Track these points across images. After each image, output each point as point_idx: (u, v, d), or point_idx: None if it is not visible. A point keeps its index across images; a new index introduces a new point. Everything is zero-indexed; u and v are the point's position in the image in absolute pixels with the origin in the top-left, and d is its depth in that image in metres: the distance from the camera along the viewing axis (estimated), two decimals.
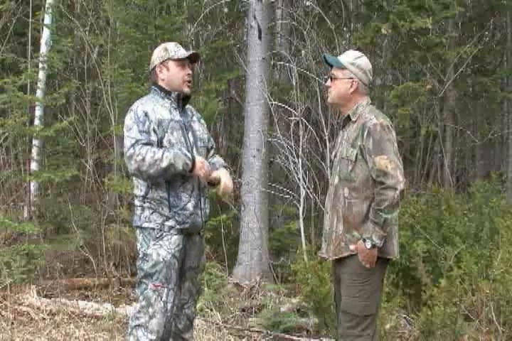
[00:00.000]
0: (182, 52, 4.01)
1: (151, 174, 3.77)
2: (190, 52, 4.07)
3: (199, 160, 3.84)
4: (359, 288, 3.76)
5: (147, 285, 3.88)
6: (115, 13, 8.25)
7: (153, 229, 3.88)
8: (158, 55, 4.01)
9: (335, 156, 3.95)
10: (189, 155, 3.81)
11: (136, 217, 3.97)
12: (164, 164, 3.73)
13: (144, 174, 3.78)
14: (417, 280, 5.88)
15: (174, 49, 4.00)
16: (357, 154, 3.75)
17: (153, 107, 3.91)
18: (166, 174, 3.78)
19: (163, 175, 3.80)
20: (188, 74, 4.02)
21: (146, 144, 3.79)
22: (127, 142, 3.83)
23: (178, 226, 3.88)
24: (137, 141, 3.79)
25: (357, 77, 3.85)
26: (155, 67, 4.00)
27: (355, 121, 3.84)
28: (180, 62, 3.99)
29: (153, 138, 3.84)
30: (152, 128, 3.84)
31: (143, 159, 3.74)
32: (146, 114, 3.86)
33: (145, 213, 3.91)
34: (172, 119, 3.93)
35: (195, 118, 4.11)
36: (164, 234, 3.88)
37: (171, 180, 3.86)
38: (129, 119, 3.89)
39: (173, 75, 3.98)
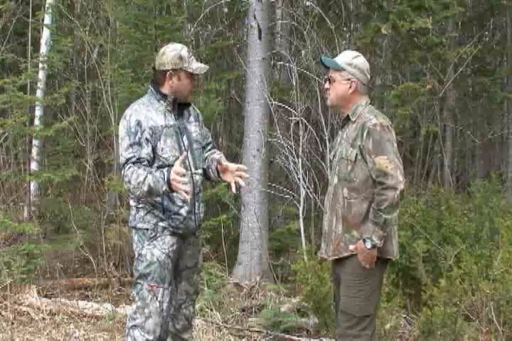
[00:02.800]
0: (196, 66, 3.95)
1: (139, 196, 3.80)
2: (204, 68, 4.00)
3: (173, 177, 3.65)
4: (358, 288, 3.75)
5: (142, 285, 3.89)
6: (115, 13, 8.25)
7: (148, 229, 3.90)
8: (172, 60, 3.91)
9: (334, 156, 3.93)
10: (165, 176, 3.67)
11: (131, 218, 3.99)
12: (145, 188, 3.72)
13: (134, 195, 3.84)
14: (417, 280, 5.88)
15: (188, 59, 3.94)
16: (356, 154, 3.73)
17: (147, 113, 3.87)
18: (151, 196, 3.78)
19: (149, 196, 3.80)
20: (193, 84, 4.03)
21: (135, 162, 3.77)
22: (120, 160, 3.86)
23: (171, 229, 3.89)
24: (127, 161, 3.79)
25: (355, 77, 3.83)
26: (165, 70, 3.93)
27: (355, 121, 3.82)
28: (192, 74, 3.98)
29: (146, 149, 3.81)
30: (145, 138, 3.82)
31: (129, 181, 3.76)
32: (138, 123, 3.83)
33: (140, 213, 3.92)
34: (166, 125, 3.89)
35: (191, 118, 4.07)
36: (158, 234, 3.88)
37: None
38: (122, 128, 3.89)
39: (182, 86, 3.96)
